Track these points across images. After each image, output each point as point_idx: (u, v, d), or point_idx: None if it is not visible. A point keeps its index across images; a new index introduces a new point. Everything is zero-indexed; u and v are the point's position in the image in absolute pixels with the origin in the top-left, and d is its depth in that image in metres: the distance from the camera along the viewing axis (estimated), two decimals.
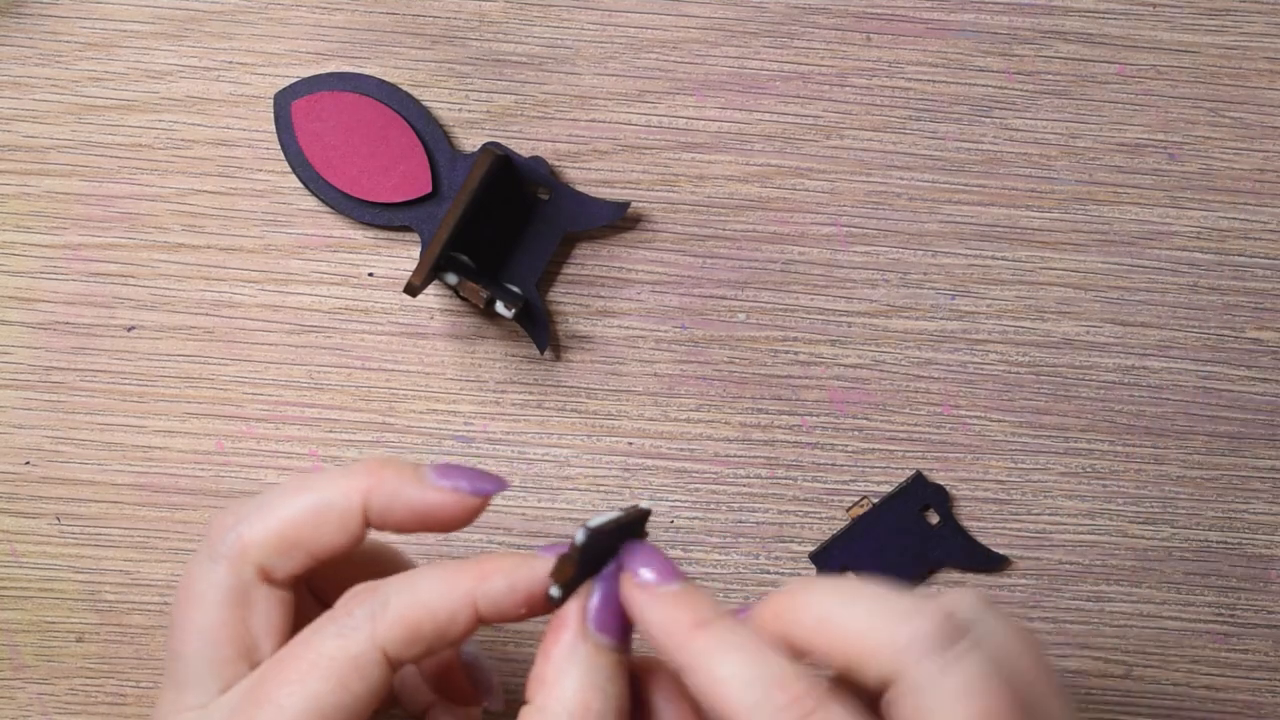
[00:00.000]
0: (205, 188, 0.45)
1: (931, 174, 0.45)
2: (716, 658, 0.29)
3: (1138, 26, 0.45)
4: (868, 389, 0.45)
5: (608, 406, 0.46)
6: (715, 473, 0.46)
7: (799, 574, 0.46)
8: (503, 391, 0.46)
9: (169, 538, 0.46)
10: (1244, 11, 0.45)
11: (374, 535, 0.34)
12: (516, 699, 0.46)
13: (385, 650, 0.30)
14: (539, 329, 0.45)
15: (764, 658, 0.29)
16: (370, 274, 0.46)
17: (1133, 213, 0.45)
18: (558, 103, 0.45)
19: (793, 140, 0.45)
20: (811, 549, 0.46)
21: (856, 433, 0.46)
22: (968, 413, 0.46)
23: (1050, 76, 0.45)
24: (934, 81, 0.45)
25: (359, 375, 0.46)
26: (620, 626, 0.31)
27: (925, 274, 0.45)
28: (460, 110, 0.45)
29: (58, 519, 0.46)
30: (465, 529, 0.45)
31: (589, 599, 0.31)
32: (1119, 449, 0.46)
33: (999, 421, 0.46)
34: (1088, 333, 0.45)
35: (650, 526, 0.45)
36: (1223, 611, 0.46)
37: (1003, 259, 0.45)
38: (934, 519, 0.45)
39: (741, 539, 0.46)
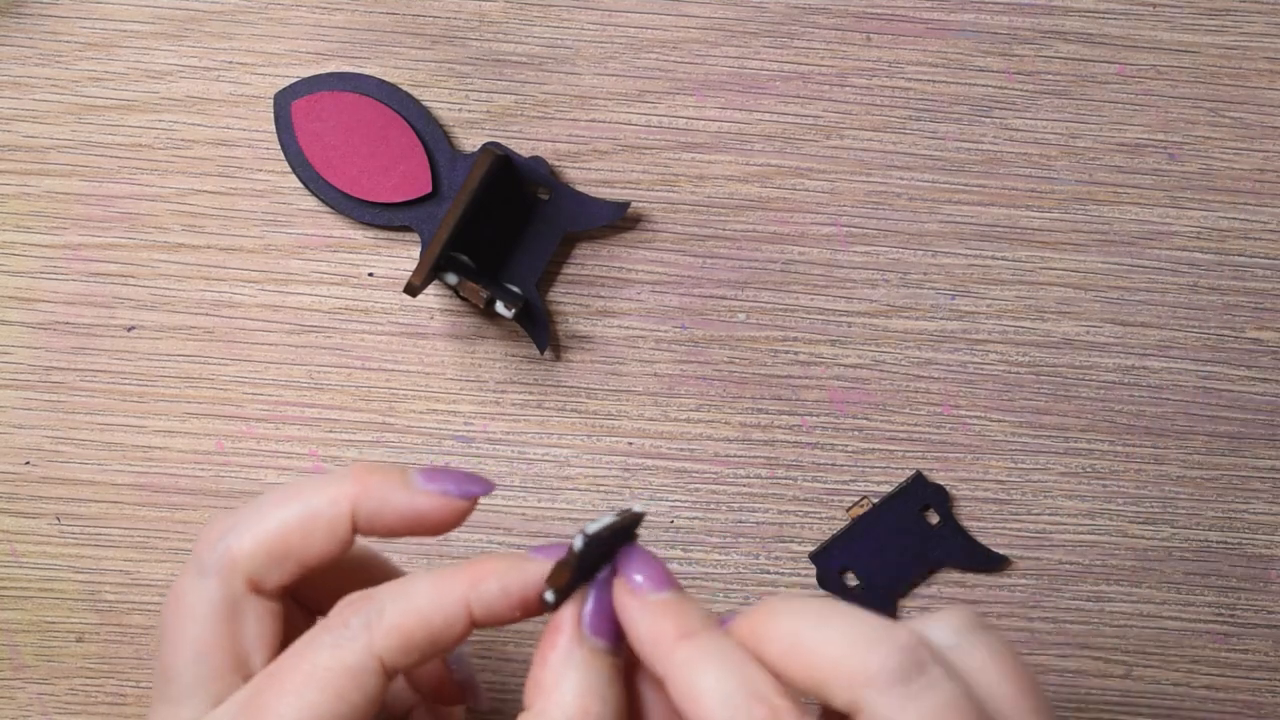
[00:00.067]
0: (205, 188, 0.45)
1: (931, 174, 0.45)
2: (698, 669, 0.29)
3: (1138, 26, 0.45)
4: (868, 389, 0.45)
5: (608, 406, 0.46)
6: (715, 473, 0.46)
7: (799, 574, 0.46)
8: (503, 391, 0.46)
9: (169, 538, 0.46)
10: (1244, 11, 0.45)
11: (358, 540, 0.34)
12: (516, 699, 0.46)
13: (382, 659, 0.30)
14: (539, 329, 0.45)
15: (745, 671, 0.29)
16: (370, 274, 0.46)
17: (1133, 213, 0.45)
18: (558, 103, 0.45)
19: (793, 140, 0.45)
20: (811, 549, 0.46)
21: (856, 433, 0.46)
22: (968, 413, 0.46)
23: (1050, 76, 0.45)
24: (934, 81, 0.45)
25: (359, 375, 0.46)
26: (616, 630, 0.31)
27: (925, 274, 0.45)
28: (460, 110, 0.45)
29: (58, 519, 0.46)
30: (464, 529, 0.45)
31: (584, 604, 0.31)
32: (1119, 449, 0.46)
33: (999, 421, 0.46)
34: (1088, 333, 0.45)
35: (650, 526, 0.45)
36: (1223, 611, 0.46)
37: (1003, 259, 0.45)
38: (934, 519, 0.45)
39: (741, 539, 0.46)
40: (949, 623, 0.30)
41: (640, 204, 0.45)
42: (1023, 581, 0.46)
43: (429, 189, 0.44)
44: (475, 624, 0.31)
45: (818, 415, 0.45)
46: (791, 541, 0.46)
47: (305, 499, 0.32)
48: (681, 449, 0.46)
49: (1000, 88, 0.45)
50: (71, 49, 0.45)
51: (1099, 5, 0.45)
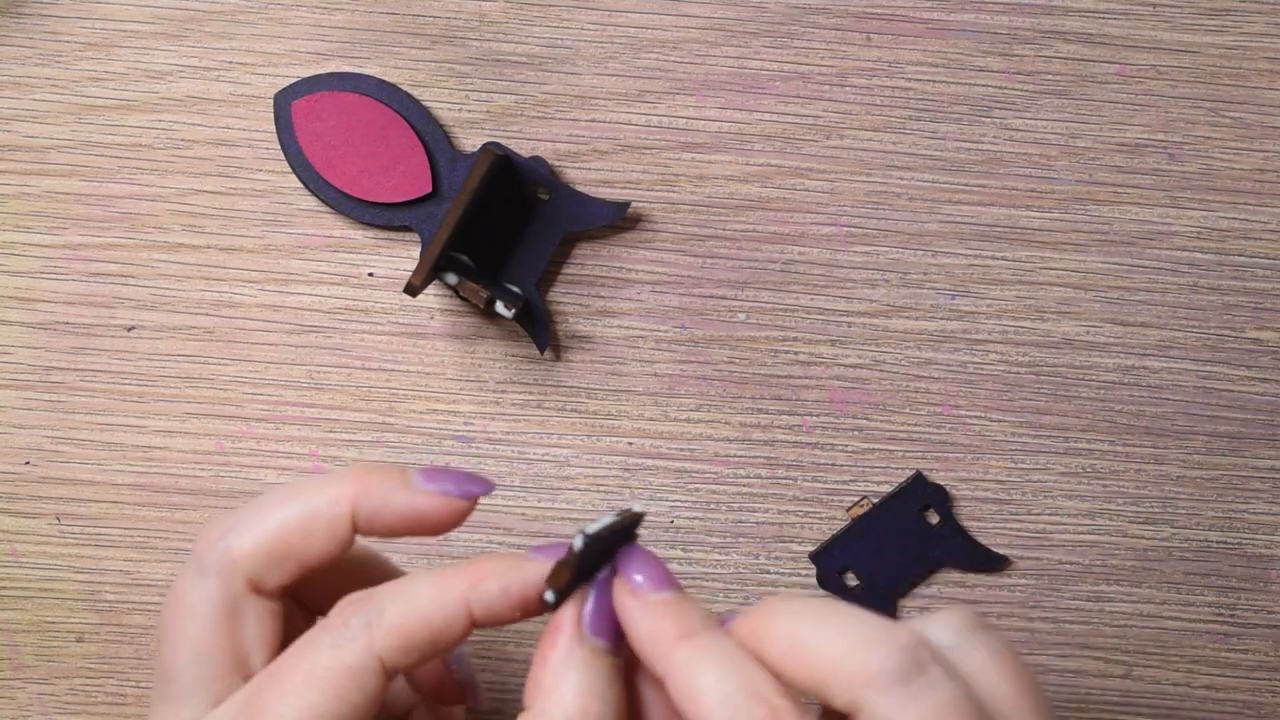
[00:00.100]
0: (205, 188, 0.45)
1: (931, 174, 0.45)
2: (698, 669, 0.29)
3: (1138, 26, 0.45)
4: (868, 389, 0.45)
5: (608, 406, 0.46)
6: (715, 473, 0.46)
7: (799, 574, 0.46)
8: (503, 391, 0.46)
9: (169, 538, 0.46)
10: (1244, 11, 0.45)
11: (357, 540, 0.34)
12: (516, 699, 0.46)
13: (382, 659, 0.30)
14: (539, 329, 0.45)
15: (745, 671, 0.29)
16: (370, 274, 0.46)
17: (1133, 213, 0.45)
18: (558, 103, 0.45)
19: (793, 140, 0.45)
20: (811, 549, 0.46)
21: (856, 433, 0.46)
22: (968, 413, 0.46)
23: (1050, 76, 0.45)
24: (934, 81, 0.45)
25: (359, 375, 0.46)
26: (616, 630, 0.31)
27: (925, 274, 0.45)
28: (460, 110, 0.45)
29: (58, 519, 0.46)
30: (464, 529, 0.45)
31: (584, 604, 0.31)
32: (1119, 449, 0.46)
33: (999, 421, 0.46)
34: (1088, 333, 0.45)
35: (650, 526, 0.45)
36: (1223, 611, 0.46)
37: (1003, 259, 0.45)
38: (934, 519, 0.45)
39: (741, 539, 0.46)
40: (949, 623, 0.30)
41: (640, 204, 0.45)
42: (1023, 581, 0.46)
43: (429, 189, 0.44)
44: (475, 624, 0.31)
45: (818, 415, 0.45)
46: (791, 541, 0.46)
47: (305, 499, 0.32)
48: (681, 449, 0.46)
49: (1000, 88, 0.45)
50: (71, 49, 0.45)
51: (1099, 5, 0.45)
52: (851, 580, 0.46)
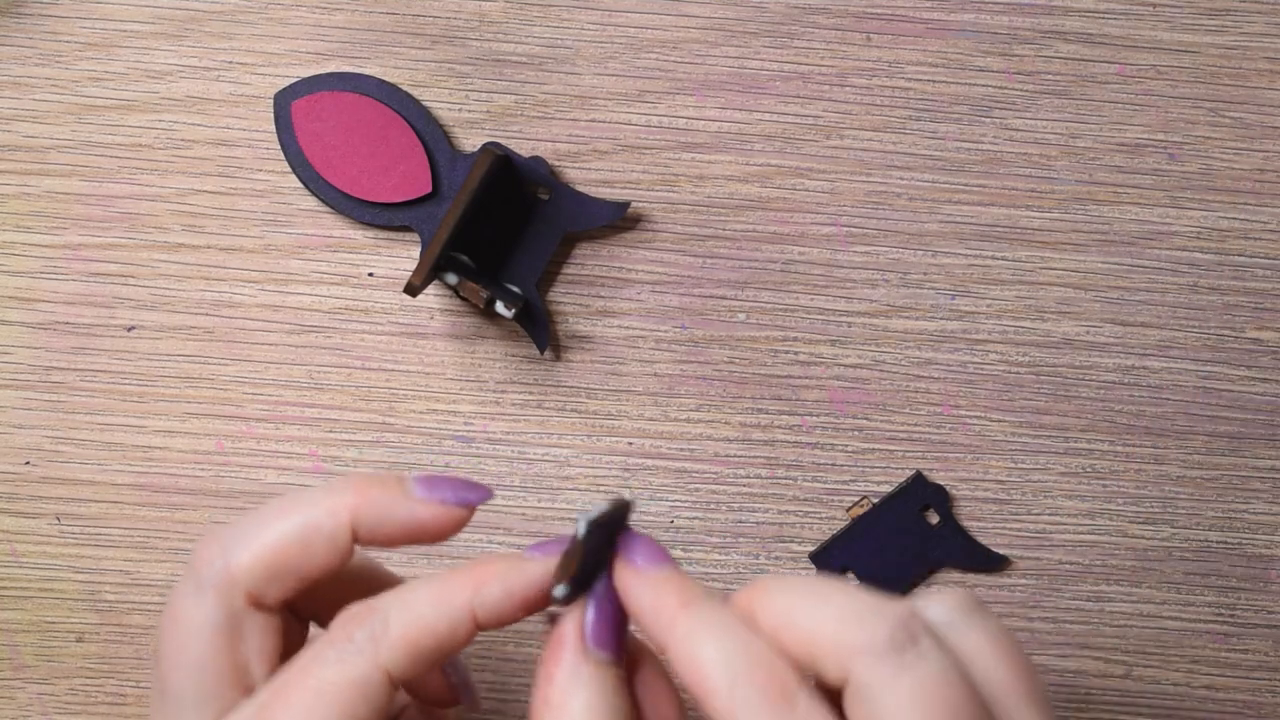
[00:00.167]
0: (205, 188, 0.45)
1: (931, 174, 0.45)
2: (698, 637, 0.29)
3: (1138, 26, 0.45)
4: (868, 389, 0.45)
5: (608, 406, 0.46)
6: (715, 473, 0.46)
7: (799, 574, 0.46)
8: (503, 391, 0.46)
9: (169, 538, 0.46)
10: (1244, 11, 0.45)
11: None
12: (516, 699, 0.46)
13: (389, 671, 0.30)
14: (539, 329, 0.45)
15: (745, 640, 0.29)
16: (370, 274, 0.46)
17: (1133, 213, 0.45)
18: (558, 103, 0.45)
19: (793, 140, 0.45)
20: (811, 549, 0.46)
21: (856, 433, 0.46)
22: (968, 413, 0.46)
23: (1050, 76, 0.45)
24: (934, 81, 0.45)
25: (359, 375, 0.46)
26: (618, 640, 0.31)
27: (925, 274, 0.45)
28: (460, 110, 0.45)
29: (58, 519, 0.46)
30: (464, 530, 0.45)
31: (585, 616, 0.31)
32: (1119, 449, 0.46)
33: (999, 421, 0.46)
34: (1088, 333, 0.45)
35: (650, 527, 0.45)
36: (1223, 611, 0.46)
37: (1003, 259, 0.45)
38: (934, 519, 0.45)
39: (741, 539, 0.46)
40: (946, 602, 0.30)
41: (640, 204, 0.45)
42: (1023, 581, 0.46)
43: (429, 189, 0.44)
44: (480, 628, 0.31)
45: (818, 415, 0.45)
46: (791, 541, 0.46)
47: (304, 512, 0.32)
48: (681, 449, 0.46)
49: (1000, 88, 0.45)
50: (71, 49, 0.45)
51: (1099, 5, 0.45)
52: (851, 580, 0.46)
